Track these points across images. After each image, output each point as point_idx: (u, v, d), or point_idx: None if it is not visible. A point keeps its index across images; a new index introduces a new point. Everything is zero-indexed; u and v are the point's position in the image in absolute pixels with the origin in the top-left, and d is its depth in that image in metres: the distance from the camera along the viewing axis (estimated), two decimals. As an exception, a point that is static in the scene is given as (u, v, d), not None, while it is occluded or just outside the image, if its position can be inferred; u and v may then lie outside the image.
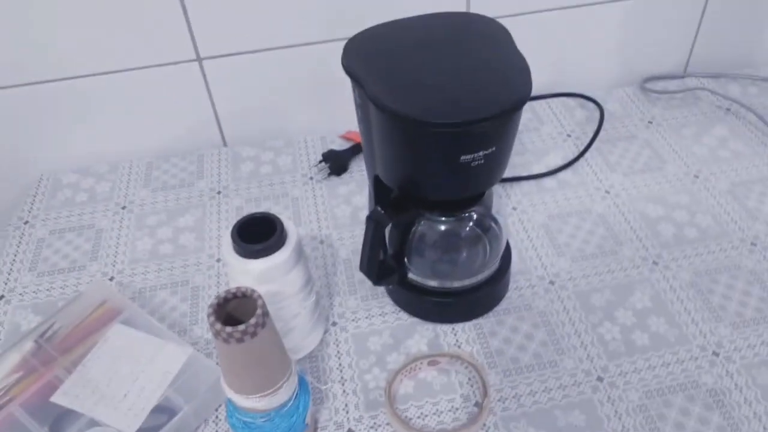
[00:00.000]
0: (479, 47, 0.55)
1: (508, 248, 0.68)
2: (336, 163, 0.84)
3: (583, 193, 0.79)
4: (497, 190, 0.80)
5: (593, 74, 0.96)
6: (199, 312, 0.69)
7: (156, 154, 0.89)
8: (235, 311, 0.47)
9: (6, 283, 0.72)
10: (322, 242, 0.75)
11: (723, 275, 0.69)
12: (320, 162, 0.85)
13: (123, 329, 0.63)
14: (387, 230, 0.64)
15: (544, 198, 0.79)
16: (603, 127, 0.88)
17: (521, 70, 0.52)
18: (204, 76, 0.84)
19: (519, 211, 0.77)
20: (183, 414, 0.56)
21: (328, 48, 0.83)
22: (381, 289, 0.69)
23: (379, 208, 0.58)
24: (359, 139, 0.67)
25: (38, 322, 0.67)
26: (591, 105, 0.93)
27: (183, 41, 0.80)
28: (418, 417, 0.58)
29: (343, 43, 0.55)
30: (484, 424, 0.57)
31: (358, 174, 0.84)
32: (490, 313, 0.66)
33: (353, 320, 0.67)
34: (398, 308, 0.67)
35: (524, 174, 0.82)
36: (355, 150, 0.86)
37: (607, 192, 0.79)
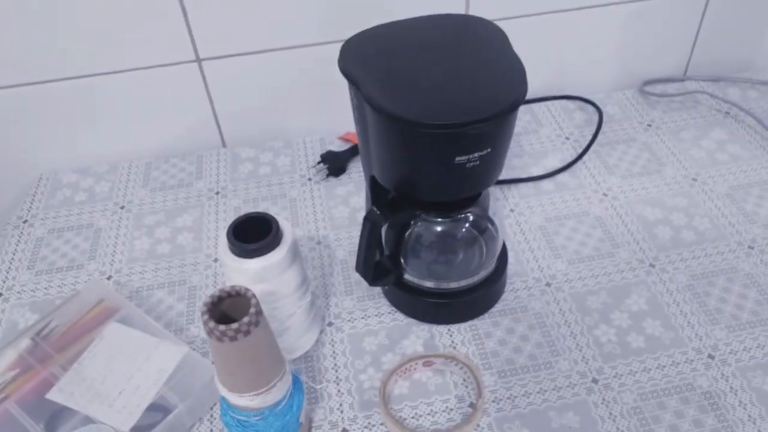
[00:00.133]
0: (475, 49, 0.55)
1: (504, 250, 0.69)
2: (334, 164, 0.85)
3: (581, 196, 0.79)
4: (494, 192, 0.80)
5: (593, 77, 0.96)
6: (195, 311, 0.69)
7: (155, 155, 0.90)
8: (229, 310, 0.47)
9: (4, 282, 0.73)
10: (319, 243, 0.76)
11: (719, 278, 0.69)
12: (318, 163, 0.85)
13: (119, 328, 0.63)
14: (384, 231, 0.64)
15: (541, 200, 0.79)
16: (602, 130, 0.88)
17: (517, 72, 0.52)
18: (203, 77, 0.84)
19: (516, 213, 0.78)
20: (177, 412, 0.56)
21: (328, 49, 0.84)
22: (377, 289, 0.69)
23: (375, 209, 0.58)
24: (357, 140, 0.68)
25: (35, 320, 0.67)
26: (590, 108, 0.93)
27: (182, 42, 0.80)
28: (413, 417, 0.59)
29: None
30: (478, 425, 0.58)
31: (356, 175, 0.85)
32: (486, 315, 0.67)
33: (349, 320, 0.67)
34: (394, 309, 0.68)
35: (522, 176, 0.82)
36: (353, 151, 0.87)
37: (605, 194, 0.79)
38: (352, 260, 0.73)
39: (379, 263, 0.64)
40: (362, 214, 0.78)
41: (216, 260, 0.74)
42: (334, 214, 0.79)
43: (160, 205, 0.82)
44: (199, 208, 0.81)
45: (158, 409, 0.57)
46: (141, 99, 0.85)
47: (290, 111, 0.90)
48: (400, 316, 0.67)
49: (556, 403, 0.59)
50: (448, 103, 0.50)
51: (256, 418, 0.51)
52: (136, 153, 0.90)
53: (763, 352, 0.62)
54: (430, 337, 0.65)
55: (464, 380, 0.61)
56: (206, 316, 0.45)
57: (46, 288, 0.72)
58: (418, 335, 0.65)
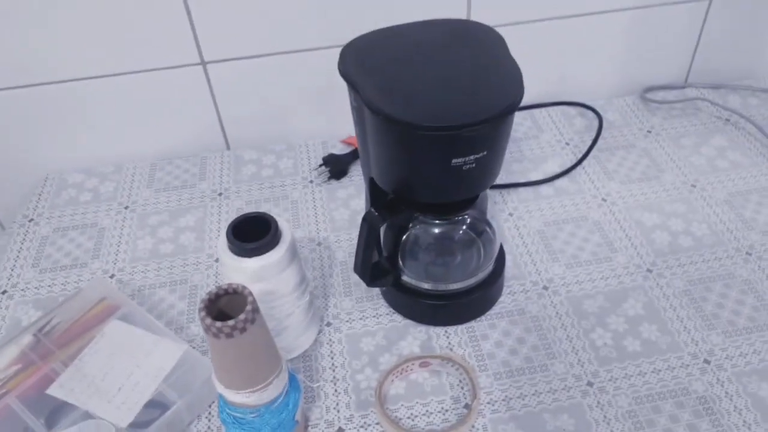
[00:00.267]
0: (473, 54, 0.56)
1: (501, 252, 0.69)
2: (336, 167, 0.85)
3: (580, 201, 0.80)
4: (494, 196, 0.81)
5: (594, 84, 0.97)
6: (196, 310, 0.70)
7: (161, 157, 0.91)
8: (226, 307, 0.48)
9: (9, 279, 0.74)
10: (319, 244, 0.76)
11: (717, 284, 0.69)
12: (320, 166, 0.86)
13: (120, 325, 0.64)
14: (382, 233, 0.65)
15: (540, 205, 0.80)
16: (602, 136, 0.89)
17: (513, 76, 0.53)
18: (208, 79, 0.85)
19: (515, 217, 0.78)
20: (176, 408, 0.57)
21: (331, 54, 0.84)
22: (376, 291, 0.70)
23: (373, 210, 0.59)
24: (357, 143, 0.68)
25: (38, 317, 0.68)
26: (591, 114, 0.93)
27: (187, 45, 0.81)
28: (408, 417, 0.59)
29: (346, 49, 0.57)
30: (473, 426, 0.58)
31: (358, 178, 0.85)
32: (483, 317, 0.67)
33: (347, 321, 0.68)
34: (392, 310, 0.68)
35: (522, 181, 0.83)
36: (355, 154, 0.87)
37: (604, 200, 0.80)
38: (352, 262, 0.73)
39: (378, 264, 0.65)
40: (362, 216, 0.79)
41: (217, 260, 0.75)
42: (334, 216, 0.80)
43: (164, 205, 0.83)
44: (202, 209, 0.82)
45: (157, 405, 0.57)
46: (146, 101, 0.86)
47: (294, 114, 0.91)
48: (397, 318, 0.67)
49: (551, 405, 0.59)
50: (444, 106, 0.50)
51: (253, 416, 0.51)
52: (141, 155, 0.91)
53: (759, 358, 0.62)
54: (428, 338, 0.66)
55: (460, 381, 0.62)
56: (203, 313, 0.45)
57: (49, 286, 0.73)
58: (415, 336, 0.66)
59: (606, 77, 0.97)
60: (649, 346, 0.64)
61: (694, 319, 0.66)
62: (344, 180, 0.85)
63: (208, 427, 0.59)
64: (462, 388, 0.61)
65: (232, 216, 0.81)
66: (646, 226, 0.76)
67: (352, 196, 0.83)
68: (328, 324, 0.67)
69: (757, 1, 0.92)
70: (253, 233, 0.55)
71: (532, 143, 0.89)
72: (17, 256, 0.77)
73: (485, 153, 0.53)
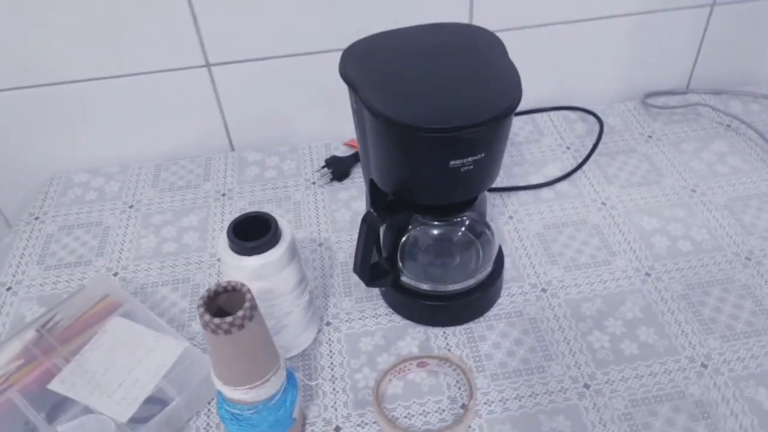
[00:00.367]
0: (472, 57, 0.56)
1: (500, 254, 0.70)
2: (338, 169, 0.86)
3: (580, 204, 0.80)
4: (493, 199, 0.81)
5: (595, 89, 0.97)
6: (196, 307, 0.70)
7: (166, 158, 0.92)
8: (225, 305, 0.49)
9: (14, 275, 0.75)
10: (320, 245, 0.77)
11: (715, 288, 0.69)
12: (323, 167, 0.87)
13: (122, 322, 0.65)
14: (382, 234, 0.66)
15: (540, 208, 0.80)
16: (603, 141, 0.89)
17: (512, 80, 0.54)
18: (213, 81, 0.86)
19: (515, 220, 0.79)
20: (175, 404, 0.57)
21: (337, 57, 0.85)
22: (375, 291, 0.71)
23: (372, 211, 0.59)
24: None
25: (42, 313, 0.69)
26: (592, 118, 0.94)
27: (192, 48, 0.83)
28: (405, 417, 0.59)
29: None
30: (470, 426, 0.58)
31: (359, 180, 0.86)
32: (482, 318, 0.67)
33: (347, 321, 0.68)
34: (391, 311, 0.69)
35: (522, 184, 0.83)
36: (357, 157, 0.88)
37: (603, 203, 0.80)
38: (352, 262, 0.74)
39: (377, 265, 0.65)
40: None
41: (219, 259, 0.76)
42: (336, 218, 0.81)
43: (168, 205, 0.84)
44: (205, 209, 0.83)
45: (156, 401, 0.58)
46: (152, 103, 0.87)
47: (297, 116, 0.92)
48: (396, 318, 0.68)
49: (548, 407, 0.60)
50: (442, 109, 0.51)
51: (250, 412, 0.52)
52: (147, 156, 0.92)
53: (756, 363, 0.62)
54: (426, 339, 0.66)
55: (457, 382, 0.62)
56: (202, 309, 0.46)
57: (54, 283, 0.74)
58: (413, 337, 0.66)
59: (608, 82, 0.97)
60: (647, 350, 0.64)
61: (692, 323, 0.66)
62: (346, 182, 0.86)
63: (207, 424, 0.60)
64: (459, 388, 0.61)
65: (235, 216, 0.81)
66: (645, 230, 0.76)
67: (353, 198, 0.83)
68: (328, 323, 0.68)
69: (759, 7, 0.92)
70: (253, 232, 0.56)
71: (533, 147, 0.90)
72: (23, 254, 0.78)
73: (483, 155, 0.53)
